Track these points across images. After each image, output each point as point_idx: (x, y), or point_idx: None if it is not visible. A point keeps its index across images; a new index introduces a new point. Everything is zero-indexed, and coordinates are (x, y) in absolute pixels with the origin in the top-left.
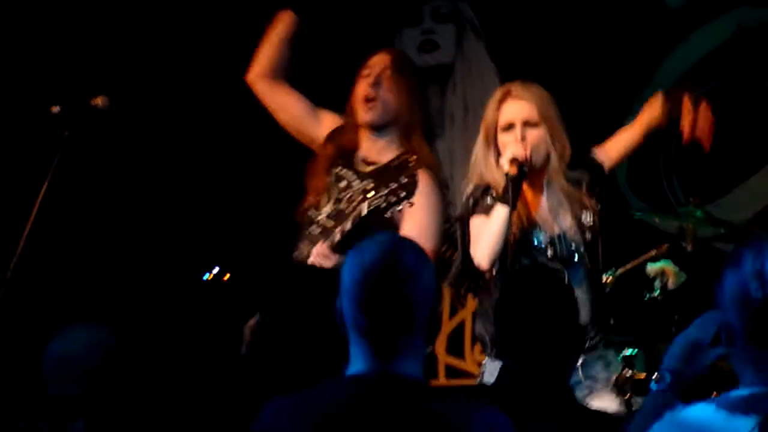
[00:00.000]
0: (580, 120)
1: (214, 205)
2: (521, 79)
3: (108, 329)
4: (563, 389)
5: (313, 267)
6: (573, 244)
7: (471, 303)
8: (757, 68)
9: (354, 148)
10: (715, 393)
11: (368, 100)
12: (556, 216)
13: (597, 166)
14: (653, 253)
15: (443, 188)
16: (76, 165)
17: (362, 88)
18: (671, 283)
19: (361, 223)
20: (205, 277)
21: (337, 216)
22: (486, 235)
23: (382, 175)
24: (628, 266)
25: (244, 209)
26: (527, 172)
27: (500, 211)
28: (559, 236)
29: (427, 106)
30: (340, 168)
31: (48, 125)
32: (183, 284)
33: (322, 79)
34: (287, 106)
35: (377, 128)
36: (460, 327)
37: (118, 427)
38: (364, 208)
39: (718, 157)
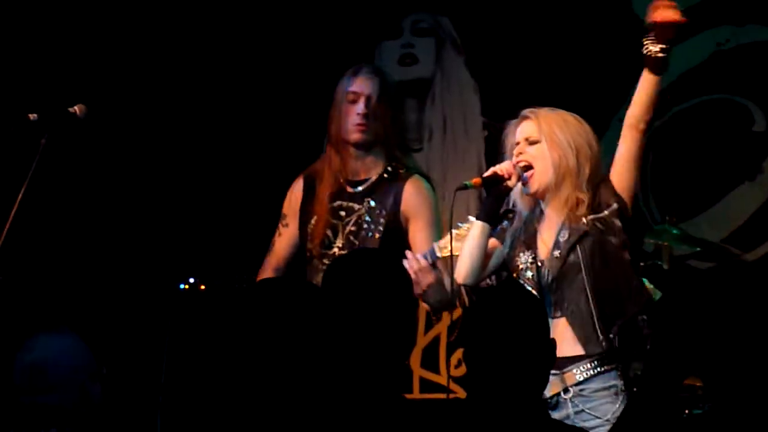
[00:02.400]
0: None
1: (190, 213)
2: (499, 94)
3: (76, 336)
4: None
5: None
6: (549, 272)
7: (446, 318)
8: (734, 86)
9: (339, 173)
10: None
11: (359, 123)
12: (548, 238)
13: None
14: None
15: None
16: (53, 173)
17: (352, 113)
18: None
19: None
20: (181, 287)
21: (351, 246)
22: (462, 251)
23: (378, 187)
24: None
25: (221, 220)
26: (505, 188)
27: (474, 226)
28: (542, 260)
29: (404, 123)
30: (336, 203)
31: (25, 133)
32: (158, 292)
33: (302, 89)
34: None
35: (366, 147)
36: (435, 341)
37: None
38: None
39: (695, 175)
